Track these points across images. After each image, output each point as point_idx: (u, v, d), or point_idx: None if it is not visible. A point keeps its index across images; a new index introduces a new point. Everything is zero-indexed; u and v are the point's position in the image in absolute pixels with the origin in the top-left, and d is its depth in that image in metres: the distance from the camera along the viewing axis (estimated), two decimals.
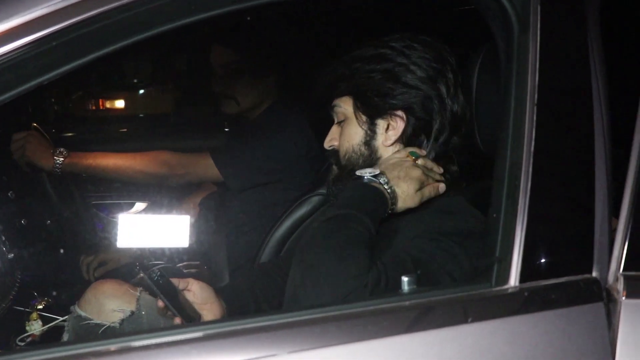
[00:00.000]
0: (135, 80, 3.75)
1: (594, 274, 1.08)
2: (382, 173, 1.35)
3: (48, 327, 1.70)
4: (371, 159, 1.45)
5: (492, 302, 1.07)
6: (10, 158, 2.09)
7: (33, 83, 1.05)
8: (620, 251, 1.08)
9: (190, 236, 1.76)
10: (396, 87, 1.41)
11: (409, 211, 1.37)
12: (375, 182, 1.34)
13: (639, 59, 1.13)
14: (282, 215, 2.05)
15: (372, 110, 1.43)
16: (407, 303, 1.07)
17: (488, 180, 1.19)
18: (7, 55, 1.02)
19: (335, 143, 1.51)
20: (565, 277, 1.08)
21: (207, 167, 2.14)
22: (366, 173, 1.36)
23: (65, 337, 1.63)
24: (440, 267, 1.26)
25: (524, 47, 1.14)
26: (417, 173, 1.36)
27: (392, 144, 1.44)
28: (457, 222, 1.35)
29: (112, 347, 0.99)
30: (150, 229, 1.73)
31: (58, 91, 3.16)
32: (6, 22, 1.03)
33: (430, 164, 1.41)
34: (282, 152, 2.15)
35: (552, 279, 1.07)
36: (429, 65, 1.41)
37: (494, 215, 1.10)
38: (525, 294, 1.06)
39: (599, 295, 1.06)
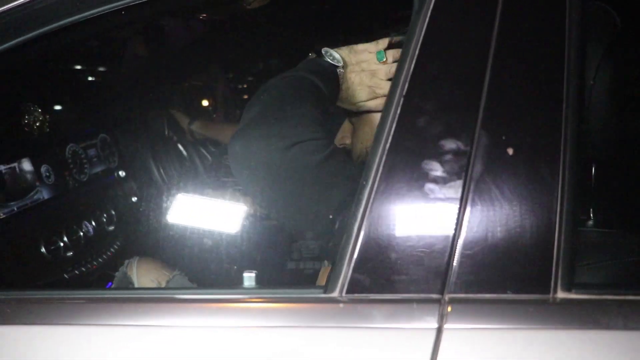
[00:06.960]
0: None
1: (433, 294, 1.02)
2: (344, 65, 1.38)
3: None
4: None
5: (318, 310, 1.08)
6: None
7: None
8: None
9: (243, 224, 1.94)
10: None
11: None
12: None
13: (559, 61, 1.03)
14: None
15: None
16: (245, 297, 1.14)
17: None
18: None
19: (348, 141, 1.51)
20: (400, 294, 1.04)
21: None
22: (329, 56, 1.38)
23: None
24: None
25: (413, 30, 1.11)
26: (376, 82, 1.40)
27: None
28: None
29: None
30: (204, 211, 1.98)
31: None
32: None
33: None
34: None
35: (382, 294, 1.04)
36: None
37: (330, 217, 1.10)
38: (347, 304, 1.05)
39: (431, 317, 1.01)
